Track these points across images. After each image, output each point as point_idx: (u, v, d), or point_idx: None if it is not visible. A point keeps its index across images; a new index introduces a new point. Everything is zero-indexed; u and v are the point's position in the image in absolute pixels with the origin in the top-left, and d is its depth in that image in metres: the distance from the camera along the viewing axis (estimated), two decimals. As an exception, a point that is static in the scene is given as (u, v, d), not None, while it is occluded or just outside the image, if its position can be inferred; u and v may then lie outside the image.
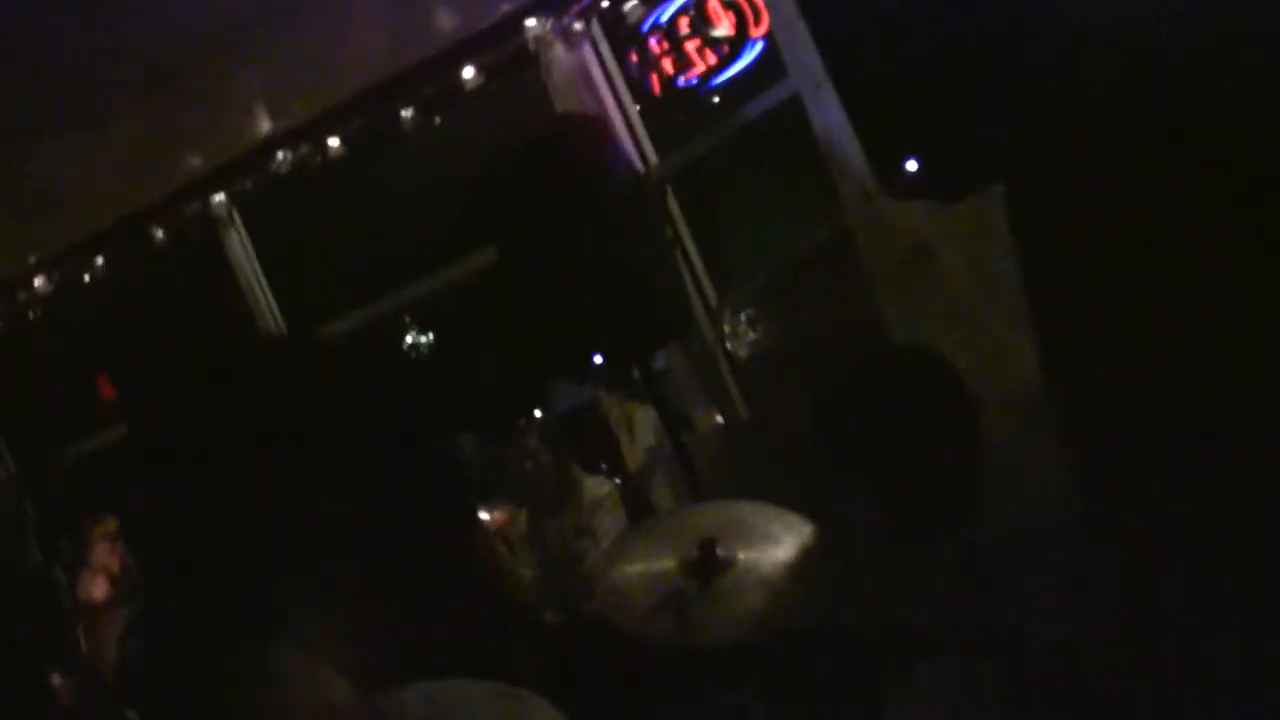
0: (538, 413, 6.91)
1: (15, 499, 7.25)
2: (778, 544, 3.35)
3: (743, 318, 5.27)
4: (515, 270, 4.99)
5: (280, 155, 6.90)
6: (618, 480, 6.68)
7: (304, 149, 6.88)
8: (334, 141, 6.79)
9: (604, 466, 6.92)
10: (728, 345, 5.34)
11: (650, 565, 3.40)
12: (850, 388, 3.22)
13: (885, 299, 4.67)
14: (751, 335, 5.23)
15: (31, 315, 7.49)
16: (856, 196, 4.73)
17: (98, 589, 4.80)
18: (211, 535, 1.24)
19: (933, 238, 4.44)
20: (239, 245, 7.24)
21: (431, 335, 13.00)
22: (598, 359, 4.98)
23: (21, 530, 6.21)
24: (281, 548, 1.20)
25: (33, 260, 7.33)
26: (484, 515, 6.40)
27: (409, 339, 13.14)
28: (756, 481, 4.60)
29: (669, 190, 5.70)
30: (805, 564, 3.25)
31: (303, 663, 1.16)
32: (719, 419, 5.65)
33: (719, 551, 3.31)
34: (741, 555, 3.33)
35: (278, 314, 7.13)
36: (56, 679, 4.46)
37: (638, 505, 6.15)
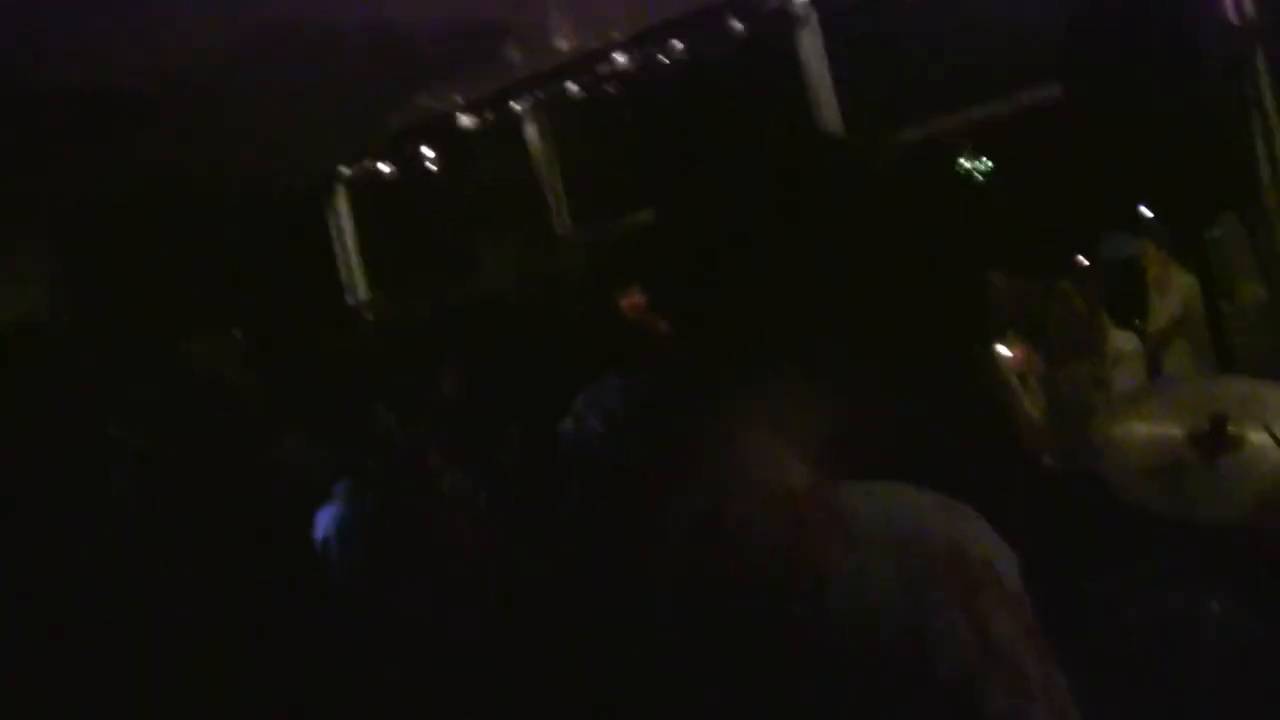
0: (1079, 257, 6.74)
1: (570, 261, 7.82)
2: (1298, 433, 3.22)
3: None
4: (1085, 107, 4.87)
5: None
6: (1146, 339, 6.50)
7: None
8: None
9: (1136, 323, 6.72)
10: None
11: (1156, 428, 3.35)
12: None
13: None
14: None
15: (609, 89, 7.94)
16: None
17: None
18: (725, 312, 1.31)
19: None
20: (812, 48, 7.36)
21: (989, 162, 12.84)
22: (1148, 212, 4.83)
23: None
24: (791, 330, 1.26)
25: (616, 35, 7.72)
26: (1004, 349, 6.38)
27: (966, 162, 13.03)
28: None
29: (1260, 48, 5.36)
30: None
31: (771, 441, 1.22)
32: (1262, 295, 5.37)
33: (1230, 428, 3.23)
34: (1253, 436, 3.23)
35: (839, 118, 7.22)
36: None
37: (1153, 368, 5.99)
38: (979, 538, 1.12)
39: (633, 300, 5.15)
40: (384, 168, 8.90)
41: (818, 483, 1.16)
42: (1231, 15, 5.35)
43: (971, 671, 1.04)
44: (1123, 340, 5.84)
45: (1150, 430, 3.37)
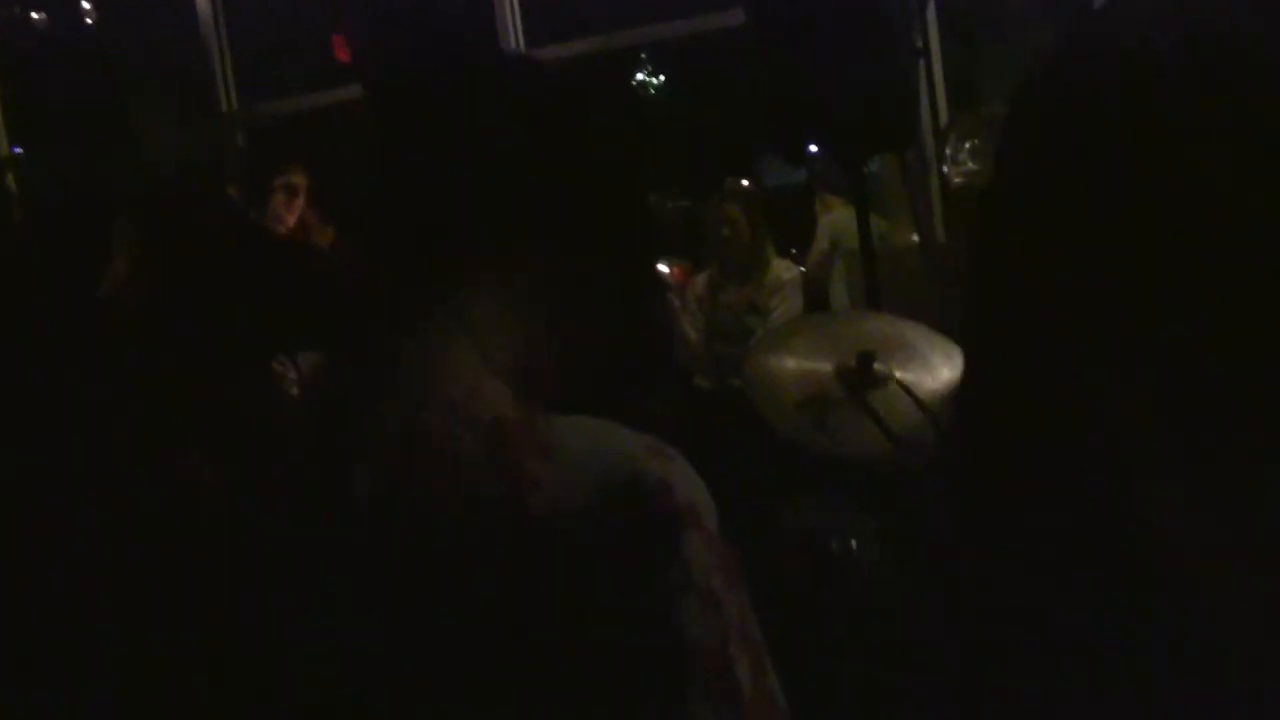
0: (745, 181, 6.87)
1: (229, 137, 7.48)
2: (933, 372, 3.38)
3: (967, 145, 5.18)
4: (761, 36, 4.95)
5: None
6: (804, 269, 6.69)
7: None
8: None
9: (794, 252, 6.91)
10: (944, 168, 5.26)
11: (806, 363, 3.45)
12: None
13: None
14: (970, 165, 5.15)
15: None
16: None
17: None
18: (407, 209, 1.28)
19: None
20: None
21: (663, 78, 13.01)
22: (813, 147, 4.95)
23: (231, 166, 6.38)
24: (473, 244, 1.25)
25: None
26: (665, 267, 6.48)
27: (640, 76, 13.17)
28: (932, 309, 4.59)
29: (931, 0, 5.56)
30: (952, 398, 3.28)
31: (470, 362, 1.20)
32: (914, 237, 5.60)
33: (875, 366, 3.35)
34: (897, 374, 3.36)
35: (520, 26, 7.13)
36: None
37: (812, 297, 6.17)
38: (687, 482, 1.14)
39: (291, 182, 4.98)
40: (36, 15, 8.34)
41: (524, 409, 1.16)
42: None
43: (670, 594, 1.06)
44: (784, 268, 5.98)
45: (801, 364, 3.47)
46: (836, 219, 6.42)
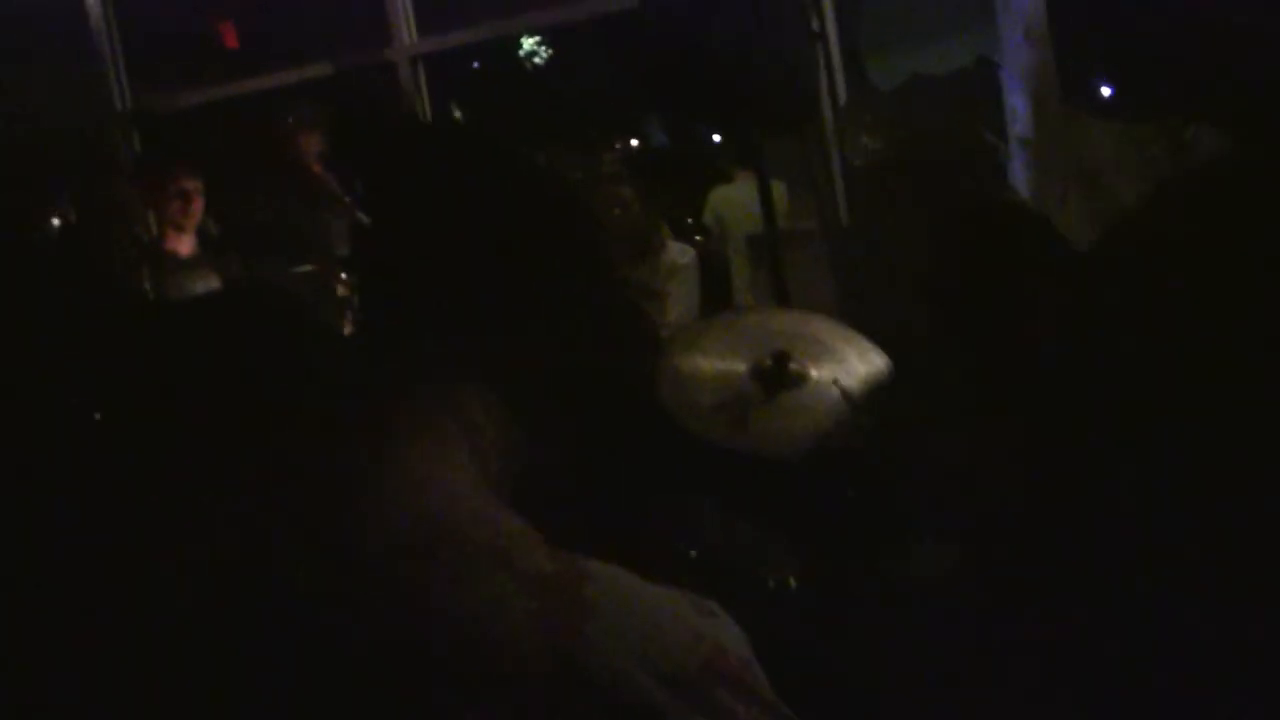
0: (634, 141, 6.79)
1: (120, 136, 7.21)
2: (848, 368, 3.39)
3: (866, 123, 5.18)
4: (655, 19, 4.92)
5: None
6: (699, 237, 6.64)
7: None
8: None
9: (697, 239, 6.85)
10: (845, 148, 5.26)
11: (721, 363, 3.44)
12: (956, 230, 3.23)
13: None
14: (871, 145, 5.15)
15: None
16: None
17: (177, 243, 4.80)
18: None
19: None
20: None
21: (551, 50, 12.96)
22: (716, 137, 4.94)
23: (120, 168, 6.17)
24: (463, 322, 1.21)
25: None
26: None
27: (527, 45, 13.10)
28: (836, 290, 4.61)
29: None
30: (871, 398, 3.30)
31: (471, 479, 1.14)
32: (816, 218, 5.60)
33: (792, 366, 3.36)
34: (814, 373, 3.37)
35: (412, 16, 6.92)
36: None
37: (716, 274, 6.15)
38: (736, 640, 1.11)
39: (184, 188, 4.87)
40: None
41: (562, 560, 1.10)
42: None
43: None
44: (679, 252, 5.94)
45: (714, 365, 3.47)
46: (725, 195, 6.38)
